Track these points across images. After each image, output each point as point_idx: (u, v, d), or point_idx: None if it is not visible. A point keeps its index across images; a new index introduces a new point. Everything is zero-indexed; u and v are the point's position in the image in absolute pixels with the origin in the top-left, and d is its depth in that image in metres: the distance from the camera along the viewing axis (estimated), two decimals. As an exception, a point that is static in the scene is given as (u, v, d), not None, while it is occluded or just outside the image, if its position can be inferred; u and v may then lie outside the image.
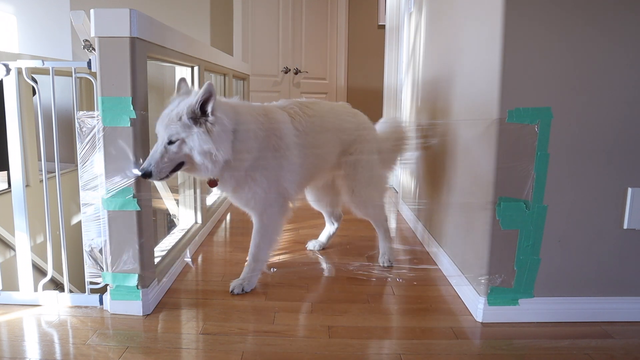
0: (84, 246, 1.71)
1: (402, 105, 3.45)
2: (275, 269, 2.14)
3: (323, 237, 2.44)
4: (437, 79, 2.33)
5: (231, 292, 1.89)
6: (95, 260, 1.71)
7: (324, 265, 2.27)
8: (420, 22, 2.80)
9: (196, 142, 1.56)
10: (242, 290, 1.90)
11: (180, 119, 1.56)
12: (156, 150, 1.58)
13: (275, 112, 1.84)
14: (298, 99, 2.02)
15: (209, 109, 1.57)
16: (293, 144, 1.83)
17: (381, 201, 2.20)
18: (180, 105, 1.59)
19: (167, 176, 1.61)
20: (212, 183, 1.77)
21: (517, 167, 1.59)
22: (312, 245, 2.44)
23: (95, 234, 1.70)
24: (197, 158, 1.58)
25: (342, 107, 2.17)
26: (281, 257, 2.34)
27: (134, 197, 1.64)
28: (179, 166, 1.62)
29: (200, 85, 2.48)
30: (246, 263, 1.98)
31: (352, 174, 2.09)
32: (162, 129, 1.59)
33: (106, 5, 1.65)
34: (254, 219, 1.95)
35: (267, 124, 1.77)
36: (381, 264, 2.19)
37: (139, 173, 1.59)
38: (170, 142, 1.58)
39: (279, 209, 1.90)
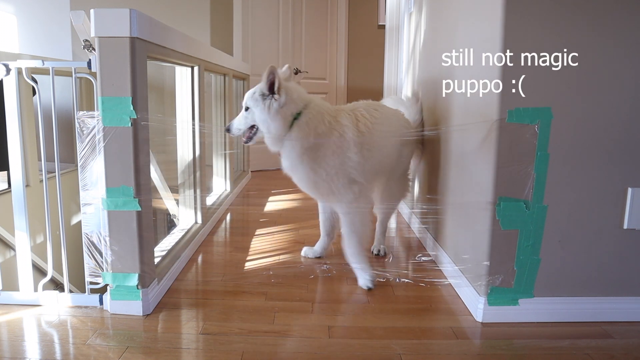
0: (83, 242, 1.71)
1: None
2: (271, 271, 2.14)
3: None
4: (436, 78, 2.32)
5: (368, 287, 1.98)
6: (94, 248, 1.70)
7: (324, 265, 2.26)
8: (420, 22, 2.80)
9: (257, 114, 1.92)
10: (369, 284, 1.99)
11: (254, 93, 1.91)
12: (239, 116, 1.99)
13: (341, 115, 2.03)
14: (365, 101, 2.20)
15: (275, 89, 1.86)
16: (353, 142, 1.97)
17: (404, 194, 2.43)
18: (258, 85, 1.91)
19: (248, 138, 1.99)
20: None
21: (517, 167, 1.60)
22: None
23: (95, 228, 1.70)
24: (259, 126, 1.94)
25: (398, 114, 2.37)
26: (281, 257, 2.34)
27: (134, 197, 1.64)
28: (252, 129, 1.97)
29: (199, 85, 2.49)
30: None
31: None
32: (245, 100, 1.97)
33: (106, 5, 1.65)
34: (341, 217, 2.07)
35: (332, 122, 1.98)
36: (378, 254, 2.36)
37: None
38: (246, 109, 1.95)
39: (357, 200, 2.01)
